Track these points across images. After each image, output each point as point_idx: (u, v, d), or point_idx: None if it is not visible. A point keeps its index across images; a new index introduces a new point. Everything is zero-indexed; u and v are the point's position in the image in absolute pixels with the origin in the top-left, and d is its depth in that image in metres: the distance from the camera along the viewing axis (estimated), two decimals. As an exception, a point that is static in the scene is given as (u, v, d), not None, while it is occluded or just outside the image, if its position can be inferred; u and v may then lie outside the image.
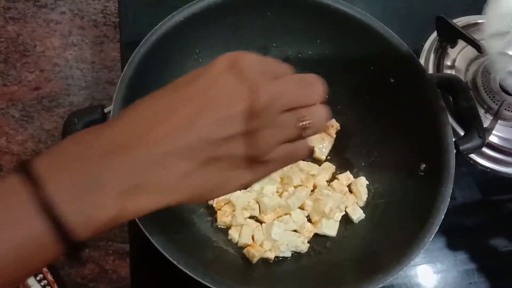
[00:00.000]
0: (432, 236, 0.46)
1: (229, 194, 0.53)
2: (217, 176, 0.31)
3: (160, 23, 0.52)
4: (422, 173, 0.52)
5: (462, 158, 0.65)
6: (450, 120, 0.64)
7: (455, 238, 0.62)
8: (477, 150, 0.54)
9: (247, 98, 0.29)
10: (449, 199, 0.48)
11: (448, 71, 0.73)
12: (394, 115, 0.58)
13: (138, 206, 0.29)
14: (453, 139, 0.51)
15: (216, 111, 0.29)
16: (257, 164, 0.32)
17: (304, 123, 0.31)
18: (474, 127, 0.53)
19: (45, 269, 0.70)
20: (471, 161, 0.67)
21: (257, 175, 0.33)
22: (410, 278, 0.58)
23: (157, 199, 0.30)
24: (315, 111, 0.32)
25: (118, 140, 0.29)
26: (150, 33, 0.51)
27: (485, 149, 0.67)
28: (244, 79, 0.29)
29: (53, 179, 0.27)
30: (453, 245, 0.61)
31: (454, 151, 0.50)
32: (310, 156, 0.60)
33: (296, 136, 0.32)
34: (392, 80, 0.57)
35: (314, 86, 0.33)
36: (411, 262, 0.45)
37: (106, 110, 0.48)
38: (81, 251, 0.28)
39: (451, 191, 0.48)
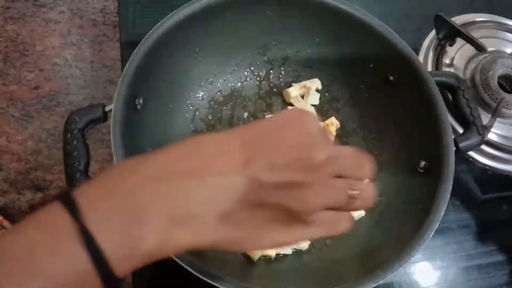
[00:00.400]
0: (432, 233, 0.46)
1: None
2: (257, 225, 0.30)
3: (160, 22, 0.52)
4: (422, 171, 0.53)
5: (461, 156, 0.66)
6: (449, 117, 0.64)
7: (455, 235, 0.62)
8: (476, 147, 0.55)
9: (307, 151, 0.29)
10: (449, 196, 0.48)
11: (447, 69, 0.73)
12: (394, 112, 0.58)
13: (178, 241, 0.28)
14: (453, 137, 0.51)
15: (275, 157, 0.29)
16: (298, 223, 0.30)
17: (354, 192, 0.31)
18: (473, 124, 0.53)
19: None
20: (470, 159, 0.67)
21: (296, 236, 0.32)
22: (410, 275, 0.59)
23: (196, 236, 0.29)
24: (365, 186, 0.32)
25: (165, 168, 0.28)
26: (150, 32, 0.51)
27: (484, 147, 0.67)
28: (306, 133, 0.30)
29: (93, 209, 0.27)
30: (452, 242, 0.62)
31: (454, 148, 0.50)
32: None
33: (343, 203, 0.31)
34: (391, 78, 0.57)
35: (366, 161, 0.33)
36: (411, 259, 0.45)
37: (107, 109, 0.48)
38: None
39: (451, 188, 0.48)
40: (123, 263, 0.27)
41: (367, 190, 0.32)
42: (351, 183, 0.31)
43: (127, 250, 0.27)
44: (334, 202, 0.31)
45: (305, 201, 0.29)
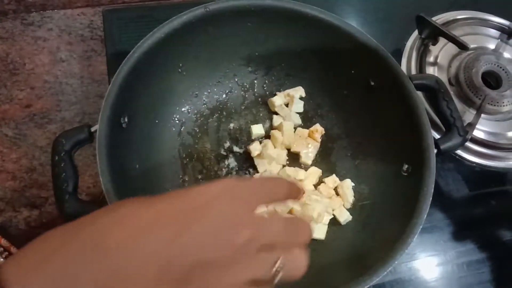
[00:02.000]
0: (416, 236, 0.46)
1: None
2: None
3: (141, 41, 0.53)
4: (405, 174, 0.53)
5: (448, 154, 0.66)
6: (434, 117, 0.65)
7: (444, 233, 0.63)
8: (458, 148, 0.55)
9: (228, 231, 0.29)
10: (431, 199, 0.48)
11: (431, 68, 0.74)
12: (377, 117, 0.59)
13: None
14: (434, 138, 0.52)
15: (198, 236, 0.29)
16: None
17: (277, 266, 0.30)
18: (454, 125, 0.54)
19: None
20: (457, 157, 0.68)
21: None
22: (402, 274, 0.60)
23: None
24: (295, 255, 0.31)
25: (92, 241, 0.28)
26: (132, 51, 0.52)
27: (470, 144, 0.68)
28: (231, 211, 0.30)
29: (18, 284, 0.26)
30: (442, 240, 0.62)
31: (435, 151, 0.51)
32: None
33: (265, 278, 0.30)
34: (372, 83, 0.58)
35: (301, 229, 0.32)
36: (396, 262, 0.45)
37: (92, 130, 0.49)
38: None
39: (432, 191, 0.49)
40: None
41: (296, 259, 0.31)
42: (277, 255, 0.30)
43: None
44: (253, 277, 0.30)
45: (220, 282, 0.29)
